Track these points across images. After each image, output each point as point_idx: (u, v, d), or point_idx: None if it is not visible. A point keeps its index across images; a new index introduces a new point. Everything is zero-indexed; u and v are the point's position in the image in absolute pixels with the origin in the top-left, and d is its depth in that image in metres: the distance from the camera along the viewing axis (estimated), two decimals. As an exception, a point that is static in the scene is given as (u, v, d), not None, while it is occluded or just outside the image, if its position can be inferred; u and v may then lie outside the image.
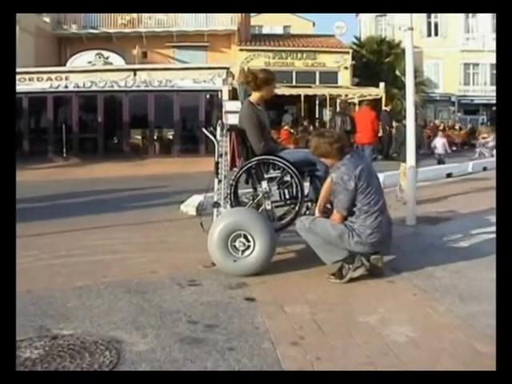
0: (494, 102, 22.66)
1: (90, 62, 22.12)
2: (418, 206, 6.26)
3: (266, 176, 4.51)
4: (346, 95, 21.94)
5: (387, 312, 3.37)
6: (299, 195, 4.51)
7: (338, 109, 16.90)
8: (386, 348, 2.81)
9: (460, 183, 10.19)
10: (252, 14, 29.21)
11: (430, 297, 3.63)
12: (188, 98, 19.74)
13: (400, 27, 6.50)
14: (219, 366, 2.63)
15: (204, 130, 4.91)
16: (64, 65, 22.60)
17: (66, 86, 19.33)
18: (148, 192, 9.92)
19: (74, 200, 9.06)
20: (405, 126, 6.69)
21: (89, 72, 19.80)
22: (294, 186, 4.52)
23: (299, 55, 25.06)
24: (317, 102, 22.90)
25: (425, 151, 16.44)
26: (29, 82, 18.89)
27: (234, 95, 18.32)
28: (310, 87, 22.18)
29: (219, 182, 4.53)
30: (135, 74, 19.60)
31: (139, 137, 20.67)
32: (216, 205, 4.57)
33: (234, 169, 4.65)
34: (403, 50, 7.23)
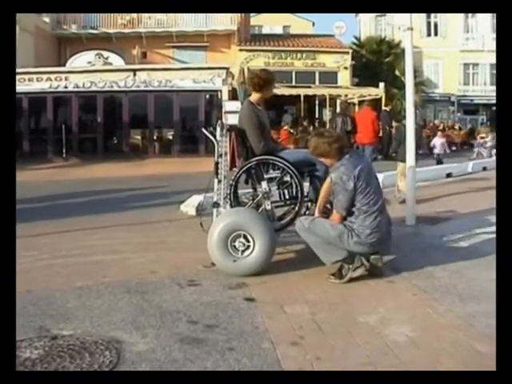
0: (494, 102, 22.70)
1: (89, 63, 22.12)
2: (417, 205, 6.26)
3: (265, 176, 4.51)
4: (346, 95, 21.94)
5: (387, 312, 3.37)
6: (299, 195, 4.51)
7: (338, 109, 16.92)
8: (386, 348, 2.81)
9: (460, 183, 10.19)
10: (252, 14, 29.21)
11: (429, 297, 3.63)
12: (188, 98, 19.74)
13: (400, 27, 6.51)
14: (219, 366, 2.63)
15: (204, 130, 4.92)
16: (64, 65, 22.60)
17: (66, 87, 19.33)
18: (148, 192, 9.93)
19: (73, 200, 9.06)
20: (404, 125, 6.70)
21: (88, 72, 19.80)
22: (294, 186, 4.52)
23: (299, 55, 25.05)
24: (316, 102, 22.93)
25: (424, 151, 16.44)
26: (28, 83, 18.88)
27: (233, 95, 18.34)
28: (309, 87, 22.19)
29: (219, 182, 4.53)
30: (135, 75, 19.60)
31: (139, 137, 20.67)
32: (216, 205, 4.57)
33: (234, 169, 4.65)
34: (403, 50, 7.24)
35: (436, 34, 32.07)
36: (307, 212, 4.64)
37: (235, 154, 4.59)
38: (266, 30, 34.25)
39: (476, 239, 5.26)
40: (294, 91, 20.86)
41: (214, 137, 4.53)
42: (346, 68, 24.80)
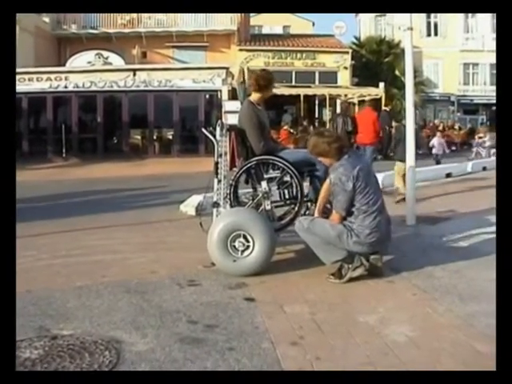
0: (494, 101, 22.69)
1: (89, 62, 22.13)
2: (417, 205, 6.26)
3: (265, 176, 4.51)
4: (346, 95, 21.95)
5: (387, 312, 3.37)
6: (299, 195, 4.51)
7: (339, 110, 16.93)
8: (386, 348, 2.81)
9: (459, 183, 10.19)
10: (251, 14, 29.21)
11: (429, 297, 3.63)
12: (187, 98, 19.75)
13: (399, 27, 6.51)
14: (219, 366, 2.63)
15: (203, 130, 4.92)
16: (63, 65, 22.61)
17: (66, 86, 19.34)
18: (147, 192, 9.93)
19: (73, 200, 9.06)
20: (404, 125, 6.70)
21: (88, 72, 19.81)
22: (294, 186, 4.52)
23: (299, 55, 25.06)
24: (316, 101, 22.92)
25: (424, 151, 16.46)
26: (28, 82, 18.90)
27: (233, 95, 18.32)
28: (309, 87, 22.20)
29: (219, 181, 4.53)
30: (135, 74, 19.61)
31: (139, 137, 20.69)
32: (215, 205, 4.57)
33: (234, 169, 4.65)
34: (403, 50, 7.23)
35: (436, 33, 32.07)
36: (307, 212, 4.64)
37: (235, 153, 4.59)
38: (265, 30, 34.24)
39: (476, 239, 5.26)
40: (293, 91, 20.87)
41: (214, 137, 4.53)
42: (345, 68, 24.81)
